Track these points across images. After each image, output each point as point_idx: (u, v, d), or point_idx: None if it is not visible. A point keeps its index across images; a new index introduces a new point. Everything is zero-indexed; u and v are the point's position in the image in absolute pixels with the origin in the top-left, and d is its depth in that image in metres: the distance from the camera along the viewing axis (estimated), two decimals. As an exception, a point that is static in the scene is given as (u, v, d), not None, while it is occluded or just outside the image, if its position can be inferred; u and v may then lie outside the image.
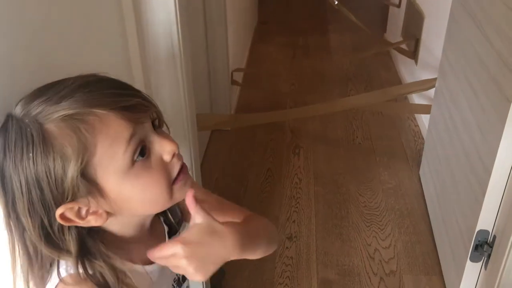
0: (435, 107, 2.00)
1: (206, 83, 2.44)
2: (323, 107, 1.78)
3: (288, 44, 3.84)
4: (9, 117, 0.55)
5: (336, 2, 2.88)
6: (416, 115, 2.64)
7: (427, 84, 1.93)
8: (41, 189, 0.54)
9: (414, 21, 2.81)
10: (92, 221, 0.58)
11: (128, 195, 0.58)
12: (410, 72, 2.90)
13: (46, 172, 0.53)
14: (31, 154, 0.52)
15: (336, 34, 4.00)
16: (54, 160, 0.53)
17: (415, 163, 2.29)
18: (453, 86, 1.72)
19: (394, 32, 3.41)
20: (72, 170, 0.53)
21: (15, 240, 0.58)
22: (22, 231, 0.57)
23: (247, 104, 2.83)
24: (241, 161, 2.37)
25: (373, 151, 2.42)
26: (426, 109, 2.13)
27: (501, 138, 1.20)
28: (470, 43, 1.52)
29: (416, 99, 2.63)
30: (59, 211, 0.55)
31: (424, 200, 2.05)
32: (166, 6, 1.03)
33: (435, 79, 1.97)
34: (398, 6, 3.26)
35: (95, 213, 0.58)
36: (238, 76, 2.84)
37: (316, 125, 2.62)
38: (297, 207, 2.05)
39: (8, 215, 0.56)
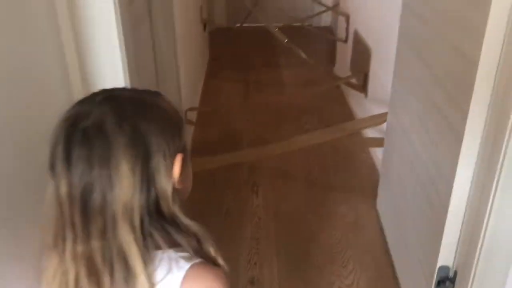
0: (388, 141, 2.04)
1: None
2: (279, 146, 1.77)
3: (240, 79, 3.87)
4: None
5: (286, 40, 2.93)
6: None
7: (380, 119, 1.97)
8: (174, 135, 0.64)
9: (362, 55, 2.90)
10: (178, 181, 0.65)
11: (186, 173, 0.68)
12: (361, 104, 2.97)
13: (174, 124, 0.64)
14: (155, 109, 0.63)
15: (287, 68, 4.08)
16: (171, 118, 0.65)
17: (372, 196, 2.31)
18: (404, 121, 1.76)
19: (343, 65, 3.51)
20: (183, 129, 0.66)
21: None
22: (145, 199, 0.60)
23: (202, 143, 2.79)
24: (198, 201, 2.29)
25: (330, 185, 2.43)
26: (379, 143, 2.17)
27: (455, 173, 1.22)
28: (419, 82, 1.56)
29: (369, 132, 2.69)
30: (180, 156, 0.64)
31: (384, 233, 2.06)
32: (112, 56, 0.99)
33: (386, 113, 2.01)
34: (345, 41, 3.37)
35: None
36: (192, 115, 2.80)
37: (273, 161, 2.60)
38: (258, 248, 2.00)
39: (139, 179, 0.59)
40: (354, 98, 3.17)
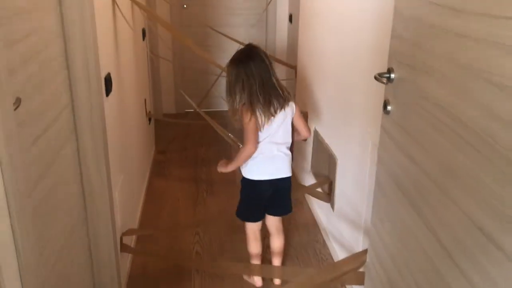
0: (369, 284, 1.67)
1: (86, 257, 1.90)
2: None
3: (189, 178, 3.47)
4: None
5: (240, 146, 2.60)
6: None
7: (358, 260, 1.63)
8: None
9: (325, 160, 2.61)
10: None
11: None
12: (327, 217, 2.63)
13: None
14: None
15: (241, 163, 3.73)
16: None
17: None
18: (392, 276, 1.41)
19: (302, 163, 3.21)
20: None
21: None
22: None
23: (141, 275, 2.30)
24: None
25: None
26: (358, 279, 1.80)
27: None
28: (417, 241, 1.23)
29: (341, 255, 2.33)
30: None
31: None
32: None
33: (365, 252, 1.66)
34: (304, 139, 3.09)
35: None
36: (130, 239, 2.34)
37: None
38: None
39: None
40: (319, 206, 2.83)
